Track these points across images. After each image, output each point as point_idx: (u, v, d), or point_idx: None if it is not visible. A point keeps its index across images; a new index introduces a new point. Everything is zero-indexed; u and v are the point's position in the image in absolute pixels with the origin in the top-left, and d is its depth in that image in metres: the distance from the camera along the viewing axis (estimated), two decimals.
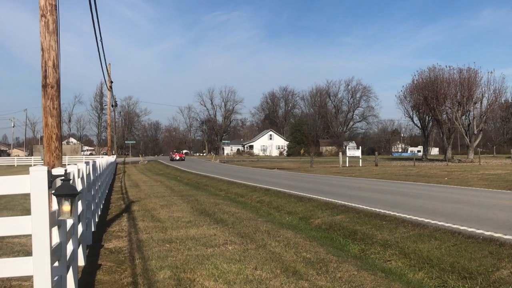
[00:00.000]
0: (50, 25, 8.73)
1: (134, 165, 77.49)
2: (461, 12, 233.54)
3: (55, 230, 5.68)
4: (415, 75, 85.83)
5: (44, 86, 8.75)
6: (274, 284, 7.69)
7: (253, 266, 8.81)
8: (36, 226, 4.74)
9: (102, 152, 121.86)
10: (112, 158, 39.17)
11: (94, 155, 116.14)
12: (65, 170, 5.51)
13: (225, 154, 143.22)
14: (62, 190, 4.91)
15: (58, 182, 5.16)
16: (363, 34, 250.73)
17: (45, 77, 8.74)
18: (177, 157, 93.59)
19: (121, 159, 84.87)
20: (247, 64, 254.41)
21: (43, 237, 4.77)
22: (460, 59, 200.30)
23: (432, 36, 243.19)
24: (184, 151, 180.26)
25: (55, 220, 5.31)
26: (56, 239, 5.67)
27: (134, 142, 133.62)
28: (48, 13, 8.73)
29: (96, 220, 14.19)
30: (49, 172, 4.87)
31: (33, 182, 4.73)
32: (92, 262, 9.46)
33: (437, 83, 76.32)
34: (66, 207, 4.91)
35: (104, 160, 21.74)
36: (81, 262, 8.81)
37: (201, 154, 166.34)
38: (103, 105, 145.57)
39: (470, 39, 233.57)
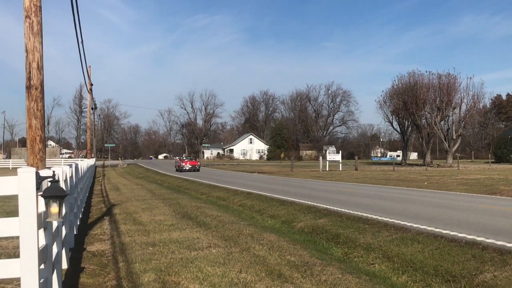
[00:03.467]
0: (35, 26, 8.66)
1: (113, 168, 77.11)
2: (442, 18, 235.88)
3: (41, 232, 5.64)
4: (395, 80, 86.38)
5: (28, 87, 8.68)
6: (260, 287, 7.68)
7: (238, 269, 8.80)
8: (24, 227, 4.69)
9: (81, 155, 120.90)
10: (91, 161, 38.91)
11: (72, 158, 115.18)
12: (54, 172, 5.47)
13: (205, 157, 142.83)
14: (51, 191, 4.87)
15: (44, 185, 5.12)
16: (344, 39, 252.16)
17: (29, 78, 8.67)
18: (187, 166, 59.41)
19: (100, 162, 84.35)
20: (228, 67, 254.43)
21: (31, 239, 4.72)
22: (440, 64, 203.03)
23: (412, 42, 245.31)
24: (164, 154, 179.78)
25: (42, 222, 5.27)
26: (42, 241, 5.63)
27: (114, 145, 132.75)
28: (33, 14, 8.67)
29: (78, 223, 14.09)
30: (37, 174, 4.83)
31: (21, 183, 4.69)
32: (75, 265, 9.39)
33: (417, 88, 76.93)
34: (54, 208, 4.87)
35: (84, 163, 21.60)
36: (64, 265, 8.74)
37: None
38: (83, 107, 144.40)
39: (450, 45, 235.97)
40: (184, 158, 67.22)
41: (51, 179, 5.09)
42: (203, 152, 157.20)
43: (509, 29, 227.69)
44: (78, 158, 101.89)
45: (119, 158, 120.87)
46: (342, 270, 9.09)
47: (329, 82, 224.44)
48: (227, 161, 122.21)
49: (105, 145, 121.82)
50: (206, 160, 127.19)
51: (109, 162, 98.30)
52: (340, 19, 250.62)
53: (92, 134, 52.06)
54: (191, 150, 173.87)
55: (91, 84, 47.48)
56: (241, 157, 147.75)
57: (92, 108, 52.25)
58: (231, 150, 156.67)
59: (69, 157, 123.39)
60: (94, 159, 50.80)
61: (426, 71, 78.59)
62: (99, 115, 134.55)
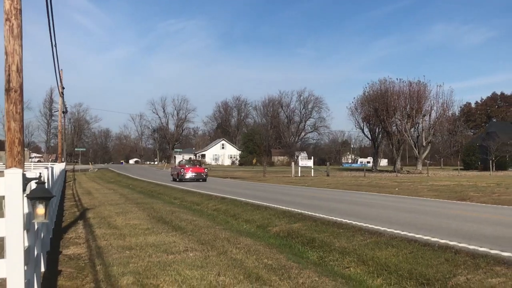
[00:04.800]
0: (15, 29, 8.65)
1: (84, 173, 76.47)
2: (413, 27, 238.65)
3: (25, 233, 5.65)
4: (366, 87, 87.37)
5: (8, 90, 8.65)
6: None
7: (216, 272, 8.87)
8: (10, 228, 4.73)
9: (50, 159, 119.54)
10: (62, 166, 38.57)
11: (42, 162, 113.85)
12: (40, 174, 5.50)
13: (177, 162, 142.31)
14: (37, 193, 4.92)
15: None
16: (317, 46, 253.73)
17: (8, 81, 8.64)
18: (190, 174, 44.45)
19: (70, 167, 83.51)
20: (200, 73, 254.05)
21: (17, 239, 4.76)
22: (411, 72, 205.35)
23: (384, 50, 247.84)
24: (135, 159, 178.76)
25: (27, 223, 5.30)
26: (26, 243, 5.65)
27: (85, 149, 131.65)
28: (13, 17, 8.65)
29: (52, 226, 14.02)
30: (23, 175, 4.87)
31: (8, 184, 4.72)
32: (51, 268, 9.38)
33: (388, 96, 77.88)
34: (41, 210, 4.91)
35: (57, 167, 21.47)
36: (41, 267, 8.72)
37: (152, 163, 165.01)
38: (53, 111, 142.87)
39: (421, 53, 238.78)
40: (186, 163, 49.21)
41: (37, 180, 5.12)
42: (174, 157, 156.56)
43: (479, 38, 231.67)
44: (48, 162, 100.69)
45: (90, 163, 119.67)
46: (318, 273, 9.21)
47: (301, 88, 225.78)
48: None
49: (76, 149, 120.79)
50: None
51: (79, 166, 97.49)
52: (312, 26, 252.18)
53: (63, 138, 51.51)
54: (163, 155, 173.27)
55: (63, 88, 47.07)
56: (213, 163, 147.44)
57: (63, 112, 51.71)
58: (203, 155, 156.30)
59: (39, 161, 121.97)
60: (64, 163, 50.34)
61: (397, 79, 79.41)
62: (70, 119, 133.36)
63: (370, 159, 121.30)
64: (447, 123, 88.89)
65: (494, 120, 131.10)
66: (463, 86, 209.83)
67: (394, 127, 79.81)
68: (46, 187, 8.98)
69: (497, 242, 10.66)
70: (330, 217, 15.58)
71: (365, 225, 13.83)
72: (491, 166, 67.43)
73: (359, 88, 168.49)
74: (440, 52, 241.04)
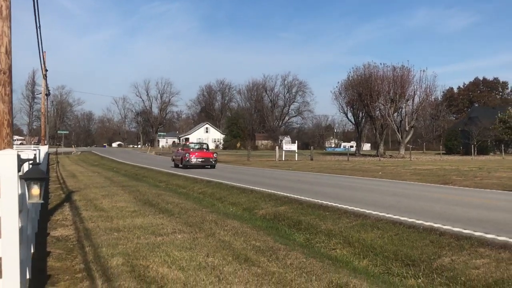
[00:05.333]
0: (4, 10, 8.59)
1: (67, 156, 76.18)
2: (397, 11, 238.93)
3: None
4: (350, 72, 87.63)
5: None
6: (228, 270, 7.86)
7: (205, 253, 8.96)
8: (5, 208, 4.76)
9: (33, 142, 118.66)
10: (46, 148, 38.41)
11: (24, 144, 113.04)
12: (35, 155, 5.54)
13: (160, 146, 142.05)
14: (32, 174, 4.96)
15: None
16: (301, 30, 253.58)
17: None
18: (196, 160, 37.96)
19: (53, 150, 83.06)
20: (184, 56, 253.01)
21: (13, 220, 4.80)
22: (395, 57, 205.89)
23: (368, 34, 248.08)
24: (118, 142, 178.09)
25: (20, 204, 5.33)
26: (19, 223, 5.69)
27: (67, 132, 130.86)
28: None
29: (39, 208, 14.02)
30: (18, 156, 4.90)
31: (3, 165, 4.75)
32: (40, 250, 9.42)
33: (371, 80, 78.27)
34: (36, 190, 4.96)
35: (42, 150, 21.42)
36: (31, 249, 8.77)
37: (136, 146, 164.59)
38: (35, 93, 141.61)
39: (405, 38, 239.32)
40: (191, 146, 42.08)
41: (32, 161, 5.16)
42: (158, 141, 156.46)
43: (462, 23, 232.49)
44: (31, 145, 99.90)
45: (72, 146, 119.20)
46: (305, 254, 9.33)
47: (285, 72, 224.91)
48: None
49: (58, 132, 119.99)
50: (161, 148, 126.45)
51: (62, 149, 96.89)
52: (297, 10, 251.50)
53: (46, 121, 51.16)
54: (146, 138, 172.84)
55: (46, 70, 46.71)
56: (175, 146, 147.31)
57: (46, 95, 51.34)
58: (187, 139, 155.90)
59: (21, 143, 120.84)
60: (47, 146, 50.04)
61: (381, 64, 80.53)
62: (52, 102, 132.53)
63: (353, 143, 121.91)
64: (430, 108, 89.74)
65: (476, 105, 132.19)
66: (446, 71, 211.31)
67: (378, 112, 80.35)
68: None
69: (481, 225, 10.85)
70: (316, 200, 15.72)
71: (350, 208, 13.97)
72: (473, 150, 68.16)
73: (343, 73, 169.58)
74: (423, 37, 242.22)
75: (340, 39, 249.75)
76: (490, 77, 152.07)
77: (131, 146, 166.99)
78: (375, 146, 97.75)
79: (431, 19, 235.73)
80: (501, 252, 8.44)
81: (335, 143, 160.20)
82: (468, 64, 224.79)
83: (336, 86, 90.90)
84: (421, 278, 8.32)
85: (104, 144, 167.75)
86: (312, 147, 76.25)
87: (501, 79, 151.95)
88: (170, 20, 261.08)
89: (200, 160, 37.79)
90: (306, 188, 20.56)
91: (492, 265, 7.97)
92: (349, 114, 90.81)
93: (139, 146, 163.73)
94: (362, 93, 79.00)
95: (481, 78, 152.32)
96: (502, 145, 73.68)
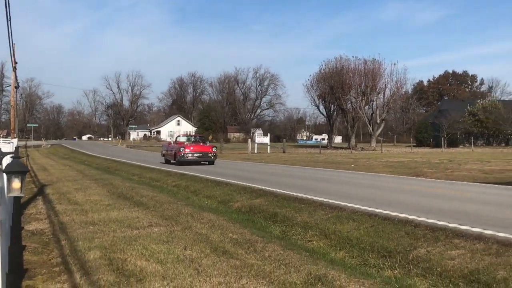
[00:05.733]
0: None
1: (36, 149, 75.36)
2: (368, 4, 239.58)
3: None
4: (322, 65, 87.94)
5: None
6: (207, 263, 7.87)
7: (182, 246, 8.95)
8: None
9: (1, 135, 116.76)
10: (15, 141, 37.93)
11: None
12: (16, 148, 5.48)
13: (131, 139, 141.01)
14: (13, 167, 4.91)
15: None
16: (272, 23, 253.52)
17: None
18: (192, 155, 32.94)
19: (22, 143, 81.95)
20: (155, 48, 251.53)
21: None
22: (366, 50, 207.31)
23: (339, 27, 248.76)
24: (88, 135, 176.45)
25: (2, 197, 5.29)
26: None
27: (37, 125, 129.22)
28: None
29: (12, 202, 13.86)
30: None
31: None
32: (15, 244, 9.33)
33: (343, 73, 78.74)
34: (17, 184, 4.91)
35: (14, 143, 21.17)
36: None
37: (106, 139, 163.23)
38: (4, 86, 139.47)
39: (376, 31, 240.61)
40: (186, 140, 36.71)
41: (13, 155, 5.10)
42: (129, 134, 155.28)
43: (432, 17, 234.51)
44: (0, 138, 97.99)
45: (42, 139, 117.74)
46: (283, 246, 9.38)
47: (257, 65, 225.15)
48: (154, 143, 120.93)
49: (27, 125, 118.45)
50: (133, 141, 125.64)
51: (31, 142, 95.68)
52: (268, 2, 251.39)
53: (15, 114, 50.42)
54: (117, 131, 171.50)
55: (16, 63, 46.00)
56: (168, 139, 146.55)
57: (15, 87, 50.57)
58: (158, 132, 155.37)
59: None
60: (17, 139, 49.39)
61: (353, 57, 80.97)
62: (21, 94, 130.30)
63: (325, 136, 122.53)
64: (401, 101, 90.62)
65: (446, 98, 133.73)
66: (416, 64, 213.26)
67: (349, 105, 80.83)
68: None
69: (455, 216, 10.99)
70: (291, 193, 15.75)
71: (325, 200, 14.03)
72: (443, 143, 68.92)
73: (315, 66, 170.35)
74: (394, 30, 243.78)
75: (312, 32, 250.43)
76: (459, 70, 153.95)
77: (101, 139, 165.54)
78: (346, 138, 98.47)
79: (402, 13, 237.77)
80: (475, 243, 8.56)
81: (306, 136, 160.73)
82: (438, 57, 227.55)
83: (308, 79, 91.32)
84: (398, 269, 8.41)
85: (74, 137, 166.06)
86: (284, 140, 76.48)
87: (470, 73, 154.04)
88: (140, 12, 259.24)
89: (197, 155, 32.80)
90: (280, 181, 20.62)
91: (467, 256, 8.09)
92: (321, 107, 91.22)
93: (110, 139, 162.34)
94: (334, 86, 79.39)
95: (450, 71, 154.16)
96: (472, 138, 74.68)
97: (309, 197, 14.73)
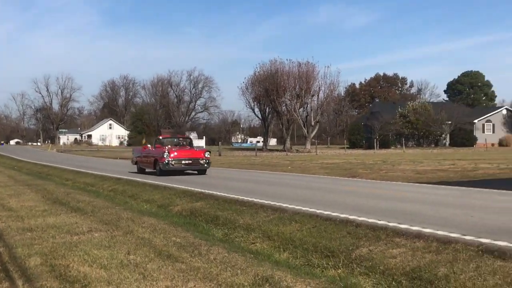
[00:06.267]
0: None
1: None
2: (302, 7, 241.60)
3: None
4: (257, 68, 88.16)
5: None
6: (152, 267, 7.78)
7: (125, 251, 8.82)
8: None
9: None
10: None
11: None
12: None
13: (61, 143, 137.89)
14: None
15: None
16: (206, 25, 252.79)
17: None
18: (181, 162, 25.50)
19: None
20: (85, 50, 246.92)
21: None
22: (300, 53, 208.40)
23: (274, 30, 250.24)
24: (16, 140, 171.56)
25: None
26: None
27: None
28: None
29: None
30: None
31: None
32: None
33: (278, 76, 79.25)
34: None
35: None
36: None
37: (36, 144, 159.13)
38: None
39: (310, 34, 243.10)
40: (169, 142, 28.32)
41: None
42: (59, 138, 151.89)
43: (363, 20, 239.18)
44: None
45: None
46: (227, 249, 9.36)
47: (191, 68, 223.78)
48: (85, 147, 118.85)
49: None
50: (63, 145, 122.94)
51: None
52: (201, 4, 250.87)
53: None
54: (47, 135, 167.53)
55: None
56: (100, 143, 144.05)
57: None
58: (90, 136, 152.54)
59: None
60: None
61: (287, 59, 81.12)
62: None
63: (260, 138, 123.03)
64: (334, 103, 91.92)
65: (377, 100, 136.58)
66: (349, 67, 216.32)
67: (284, 107, 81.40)
68: None
69: (393, 215, 11.21)
70: (232, 195, 15.71)
71: (267, 202, 14.06)
72: (375, 144, 70.39)
73: (250, 68, 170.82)
74: (327, 34, 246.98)
75: (246, 35, 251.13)
76: (390, 73, 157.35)
77: (30, 143, 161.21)
78: (281, 141, 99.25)
79: (334, 16, 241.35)
80: (415, 241, 8.75)
81: (241, 139, 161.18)
82: (370, 60, 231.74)
83: (243, 82, 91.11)
84: (341, 269, 8.52)
85: (1, 142, 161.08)
86: (220, 143, 76.44)
87: (401, 75, 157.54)
88: (70, 13, 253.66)
89: (185, 162, 25.72)
90: (220, 184, 20.58)
91: (408, 254, 8.26)
92: (256, 110, 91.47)
93: (39, 143, 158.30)
94: (269, 88, 79.78)
95: (381, 74, 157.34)
96: (403, 139, 76.62)
97: (250, 199, 14.74)
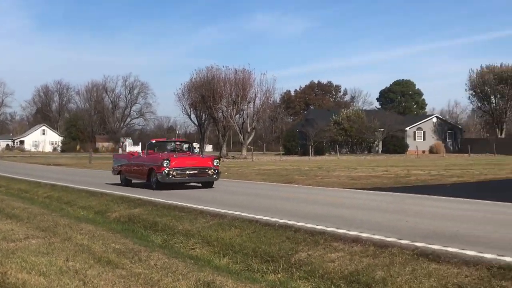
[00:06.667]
0: None
1: None
2: (237, 14, 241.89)
3: None
4: (193, 74, 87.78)
5: None
6: (92, 273, 7.73)
7: (64, 258, 8.73)
8: None
9: None
10: None
11: None
12: None
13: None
14: None
15: None
16: (143, 31, 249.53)
17: None
18: (183, 173, 20.44)
19: None
20: (17, 54, 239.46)
21: None
22: (237, 60, 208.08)
23: (211, 36, 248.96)
24: None
25: None
26: None
27: None
28: None
29: None
30: None
31: None
32: None
33: (214, 83, 79.30)
34: None
35: None
36: None
37: None
38: None
39: (246, 41, 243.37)
40: (164, 147, 25.10)
41: None
42: None
43: (299, 28, 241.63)
44: None
45: None
46: (167, 255, 9.39)
47: (126, 73, 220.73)
48: (17, 153, 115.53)
49: None
50: None
51: None
52: (137, 10, 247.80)
53: None
54: None
55: None
56: (33, 149, 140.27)
57: None
58: (22, 142, 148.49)
59: None
60: None
61: (224, 66, 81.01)
62: None
63: (196, 144, 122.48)
64: (269, 110, 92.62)
65: (312, 107, 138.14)
66: (284, 75, 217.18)
67: (220, 114, 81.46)
68: None
69: (331, 220, 11.46)
70: (170, 201, 15.67)
71: (205, 208, 14.11)
72: (310, 151, 71.29)
73: (186, 75, 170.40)
74: (264, 41, 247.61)
75: (183, 41, 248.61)
76: (324, 81, 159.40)
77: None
78: (217, 147, 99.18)
79: (270, 24, 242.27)
80: (353, 245, 8.99)
81: None
82: (305, 68, 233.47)
83: (179, 88, 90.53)
84: (281, 273, 8.66)
85: None
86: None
87: (335, 83, 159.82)
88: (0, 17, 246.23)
89: (190, 172, 20.72)
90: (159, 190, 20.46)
91: (347, 258, 8.47)
92: (192, 116, 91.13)
93: None
94: (205, 95, 79.72)
95: (316, 82, 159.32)
96: (337, 146, 77.90)
97: (189, 205, 14.77)
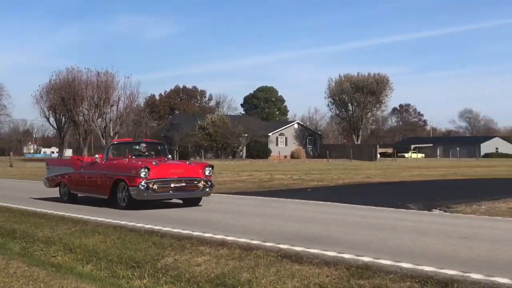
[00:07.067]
0: None
1: None
2: (98, 15, 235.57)
3: None
4: (53, 75, 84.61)
5: None
6: None
7: None
8: None
9: None
10: None
11: None
12: None
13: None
14: None
15: None
16: None
17: None
18: (166, 187, 14.68)
19: None
20: None
21: None
22: (100, 62, 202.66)
23: (72, 37, 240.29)
24: None
25: None
26: None
27: None
28: None
29: None
30: None
31: None
32: None
33: (75, 85, 77.32)
34: None
35: None
36: None
37: None
38: None
39: (109, 43, 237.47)
40: (137, 151, 16.89)
41: None
42: None
43: (164, 32, 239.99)
44: None
45: None
46: (26, 263, 9.07)
47: None
48: None
49: None
50: None
51: None
52: None
53: None
54: None
55: None
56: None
57: None
58: None
59: None
60: None
61: (85, 68, 78.93)
62: None
63: (55, 149, 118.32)
64: (133, 114, 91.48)
65: (177, 112, 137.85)
66: (149, 79, 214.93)
67: (82, 117, 79.43)
68: None
69: (197, 225, 11.53)
70: (31, 208, 15.15)
71: (67, 214, 13.74)
72: (175, 155, 71.18)
73: (45, 76, 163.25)
74: (128, 43, 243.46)
75: (41, 41, 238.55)
76: (189, 86, 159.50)
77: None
78: (78, 151, 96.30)
79: (135, 27, 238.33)
80: (219, 249, 9.09)
81: (34, 149, 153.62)
82: (170, 72, 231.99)
83: (37, 90, 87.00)
84: (147, 279, 8.55)
85: None
86: (12, 153, 72.41)
87: (200, 88, 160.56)
88: None
89: (175, 185, 15.05)
90: (13, 195, 19.59)
91: (213, 262, 8.55)
92: (51, 119, 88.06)
93: None
94: (65, 97, 77.40)
95: (181, 86, 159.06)
96: (202, 151, 78.32)
97: (49, 211, 14.30)
